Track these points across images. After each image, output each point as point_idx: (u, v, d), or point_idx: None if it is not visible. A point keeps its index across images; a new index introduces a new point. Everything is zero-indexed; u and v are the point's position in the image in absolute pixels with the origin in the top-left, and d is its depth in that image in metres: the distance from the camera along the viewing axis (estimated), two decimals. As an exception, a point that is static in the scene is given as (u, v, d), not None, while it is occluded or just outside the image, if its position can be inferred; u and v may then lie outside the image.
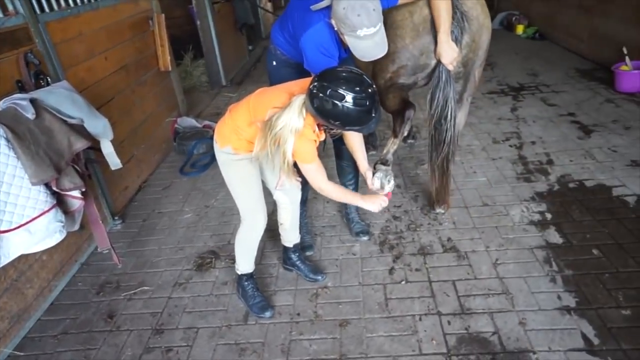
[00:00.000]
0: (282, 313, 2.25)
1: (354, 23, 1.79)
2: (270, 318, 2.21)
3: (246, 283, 2.29)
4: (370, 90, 1.65)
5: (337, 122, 1.68)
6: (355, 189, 2.73)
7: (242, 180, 2.05)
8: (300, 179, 2.22)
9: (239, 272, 2.29)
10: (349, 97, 1.60)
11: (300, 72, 2.18)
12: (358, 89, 1.61)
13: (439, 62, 2.22)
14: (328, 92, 1.61)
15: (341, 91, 1.60)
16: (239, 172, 2.02)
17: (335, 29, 1.92)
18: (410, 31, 2.19)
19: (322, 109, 1.64)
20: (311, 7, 1.94)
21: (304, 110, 1.73)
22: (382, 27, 1.86)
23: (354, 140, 2.15)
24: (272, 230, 2.86)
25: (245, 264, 2.26)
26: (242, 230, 2.19)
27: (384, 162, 2.55)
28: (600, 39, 5.21)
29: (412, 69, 2.29)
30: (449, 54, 2.14)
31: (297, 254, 2.46)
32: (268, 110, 1.78)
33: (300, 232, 2.50)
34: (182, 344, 2.13)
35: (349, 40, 1.88)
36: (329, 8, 1.91)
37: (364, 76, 1.67)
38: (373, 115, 1.68)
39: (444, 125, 2.36)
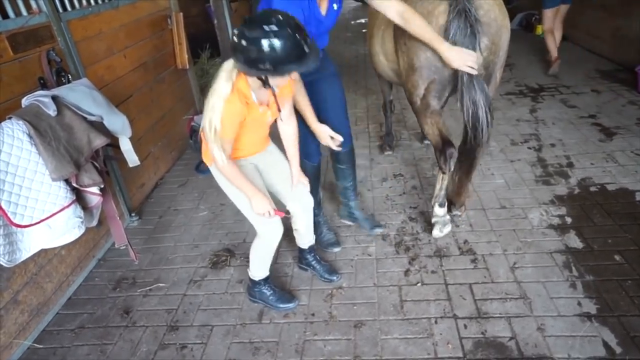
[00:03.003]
0: (297, 313, 2.24)
1: None
2: (286, 316, 2.22)
3: (262, 287, 2.27)
4: (291, 21, 1.53)
5: (268, 66, 1.53)
6: (355, 191, 2.76)
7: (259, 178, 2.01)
8: (308, 182, 2.20)
9: (255, 278, 2.26)
10: (268, 32, 1.49)
11: None
12: (275, 19, 1.50)
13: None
14: (246, 35, 1.51)
15: (258, 29, 1.49)
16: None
17: None
18: None
19: (247, 57, 1.53)
20: None
21: (234, 74, 1.66)
22: None
23: (300, 100, 2.09)
24: (287, 230, 2.86)
25: (260, 270, 2.24)
26: (258, 242, 2.15)
27: (441, 204, 2.57)
28: (623, 40, 5.10)
29: (441, 82, 2.25)
30: (458, 57, 2.08)
31: (313, 254, 2.45)
32: None
33: (322, 231, 2.50)
34: (197, 341, 2.14)
35: None
36: None
37: (281, 12, 1.56)
38: (306, 49, 1.55)
39: (479, 128, 2.24)
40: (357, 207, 2.79)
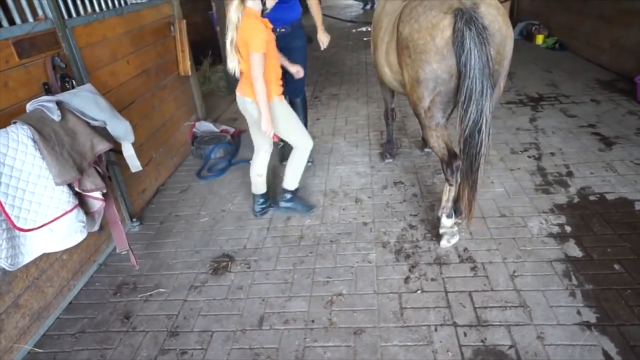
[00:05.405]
0: (297, 319, 2.25)
1: None
2: (286, 323, 2.22)
3: (296, 193, 3.00)
4: None
5: None
6: (305, 124, 3.61)
7: (292, 112, 2.78)
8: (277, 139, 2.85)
9: (294, 187, 3.00)
10: None
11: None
12: None
13: (465, 76, 2.12)
14: None
15: None
16: (289, 108, 2.76)
17: None
18: (435, 55, 2.16)
19: None
20: None
21: (239, 6, 2.37)
22: None
23: (312, 4, 3.39)
24: (286, 236, 2.87)
25: (298, 179, 2.98)
26: (302, 154, 2.87)
27: (449, 215, 2.58)
28: (622, 50, 5.14)
29: (446, 94, 2.26)
30: None
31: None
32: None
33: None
34: (197, 347, 2.15)
35: None
36: None
37: None
38: None
39: (477, 138, 2.22)
40: None
